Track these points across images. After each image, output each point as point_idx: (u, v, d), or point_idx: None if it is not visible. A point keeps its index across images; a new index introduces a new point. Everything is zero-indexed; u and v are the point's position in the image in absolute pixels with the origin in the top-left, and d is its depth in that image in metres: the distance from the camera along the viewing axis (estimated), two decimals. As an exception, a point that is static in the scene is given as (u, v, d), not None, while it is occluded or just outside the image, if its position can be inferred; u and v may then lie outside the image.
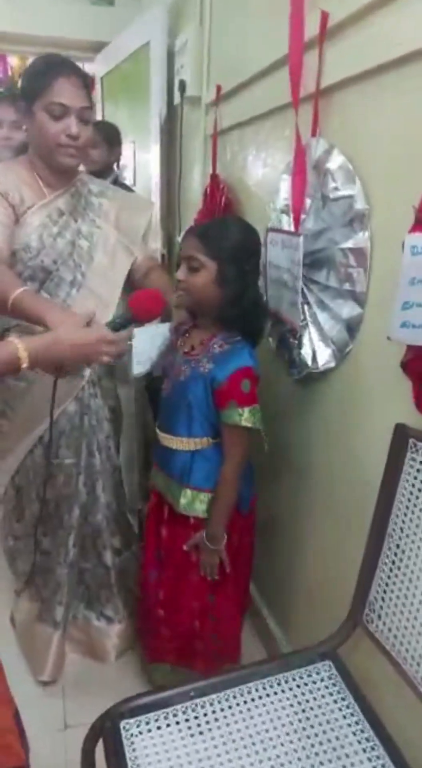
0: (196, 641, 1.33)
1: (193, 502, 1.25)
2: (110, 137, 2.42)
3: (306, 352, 1.29)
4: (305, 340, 1.29)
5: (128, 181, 2.65)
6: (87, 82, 1.34)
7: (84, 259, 1.42)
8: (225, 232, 1.18)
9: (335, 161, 1.14)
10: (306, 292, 1.27)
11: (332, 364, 1.21)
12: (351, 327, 1.14)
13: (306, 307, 1.28)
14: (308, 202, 1.25)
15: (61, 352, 1.00)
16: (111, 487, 1.55)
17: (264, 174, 1.59)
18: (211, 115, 1.94)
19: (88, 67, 3.62)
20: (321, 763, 0.85)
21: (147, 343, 1.38)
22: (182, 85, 2.12)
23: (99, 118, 3.19)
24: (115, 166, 2.45)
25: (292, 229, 1.29)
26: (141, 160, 2.74)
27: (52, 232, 1.38)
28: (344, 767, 0.85)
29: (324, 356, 1.23)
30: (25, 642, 1.60)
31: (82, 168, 1.54)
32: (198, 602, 1.30)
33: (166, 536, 1.32)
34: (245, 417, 1.16)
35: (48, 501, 1.50)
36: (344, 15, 1.08)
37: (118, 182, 2.43)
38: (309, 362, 1.27)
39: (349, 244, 1.11)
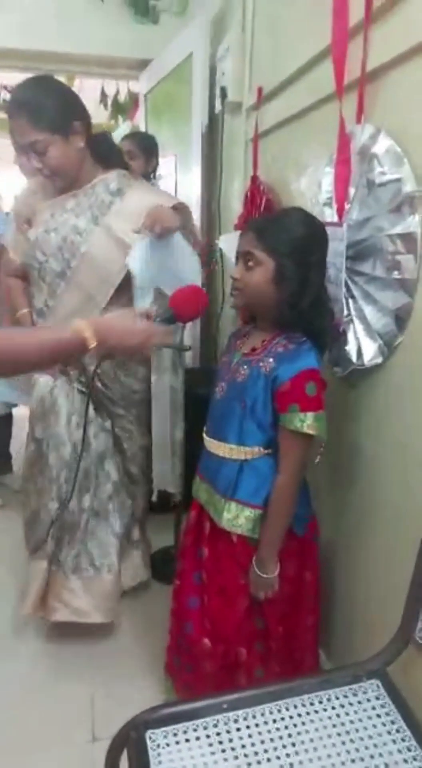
0: (240, 674, 1.21)
1: (238, 518, 1.14)
2: (147, 148, 2.46)
3: (350, 347, 1.22)
4: (349, 336, 1.22)
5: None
6: (32, 114, 1.36)
7: (73, 253, 1.49)
8: (285, 225, 1.09)
9: (382, 145, 1.08)
10: (350, 285, 1.21)
11: (379, 360, 1.14)
12: (400, 318, 1.07)
13: (350, 300, 1.22)
14: (352, 191, 1.19)
15: (116, 335, 0.98)
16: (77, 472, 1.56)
17: (306, 172, 1.55)
18: (252, 120, 1.92)
19: (132, 86, 3.72)
20: (368, 792, 0.76)
21: None
22: (223, 92, 2.12)
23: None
24: (152, 176, 2.47)
25: (336, 220, 1.23)
26: (182, 172, 2.75)
27: (48, 227, 1.49)
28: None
29: (370, 351, 1.16)
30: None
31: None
32: (247, 629, 1.19)
33: (207, 556, 1.21)
34: (308, 423, 1.06)
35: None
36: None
37: None
38: (354, 358, 1.20)
39: (397, 229, 1.05)
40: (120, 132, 4.06)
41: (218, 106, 2.24)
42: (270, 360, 1.11)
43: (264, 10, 1.84)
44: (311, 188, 1.48)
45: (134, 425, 1.73)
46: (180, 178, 2.81)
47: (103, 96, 3.67)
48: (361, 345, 1.18)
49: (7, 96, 3.40)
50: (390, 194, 1.06)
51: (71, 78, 3.52)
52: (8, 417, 2.66)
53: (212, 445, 1.21)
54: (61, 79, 3.84)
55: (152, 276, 1.43)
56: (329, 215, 1.31)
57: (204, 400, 2.15)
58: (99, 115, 3.83)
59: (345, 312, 1.22)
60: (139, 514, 1.86)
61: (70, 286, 1.50)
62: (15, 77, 3.67)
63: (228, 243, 1.86)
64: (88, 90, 3.66)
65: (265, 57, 1.84)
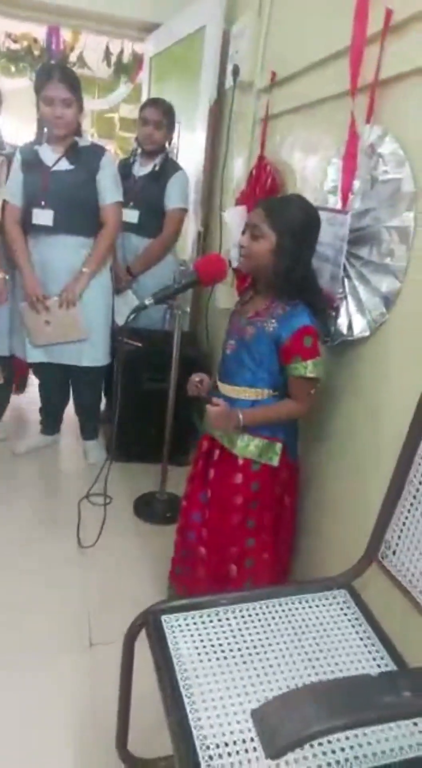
0: (231, 585, 1.44)
1: (249, 446, 1.38)
2: (171, 118, 2.51)
3: (342, 321, 1.41)
4: (342, 311, 1.41)
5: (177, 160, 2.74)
6: None
7: None
8: (289, 208, 1.31)
9: (387, 147, 1.25)
10: (347, 267, 1.39)
11: (367, 333, 1.33)
12: (389, 300, 1.26)
13: (346, 280, 1.39)
14: (356, 183, 1.36)
15: None
16: None
17: (312, 158, 1.70)
18: (262, 100, 2.05)
19: (137, 47, 3.74)
20: (336, 663, 0.98)
21: None
22: (236, 70, 2.22)
23: (145, 97, 3.29)
24: (167, 144, 2.54)
25: (339, 207, 1.40)
26: (185, 140, 2.84)
27: None
28: (351, 662, 0.97)
29: (360, 325, 1.35)
30: None
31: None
32: (237, 547, 1.42)
33: (213, 476, 1.45)
34: (309, 369, 1.30)
35: None
36: (407, 14, 1.19)
37: (168, 159, 2.53)
38: (345, 330, 1.39)
39: (394, 222, 1.23)
40: (120, 93, 4.08)
41: (228, 83, 2.34)
42: (273, 321, 1.33)
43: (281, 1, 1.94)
44: (317, 175, 1.63)
45: None
46: (182, 145, 2.90)
47: (107, 54, 3.68)
48: (352, 319, 1.37)
49: (11, 44, 3.39)
50: (390, 191, 1.24)
51: (77, 33, 3.53)
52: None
53: (226, 389, 1.42)
54: (67, 34, 3.85)
55: None
56: (333, 202, 1.48)
57: (191, 360, 2.33)
58: (101, 73, 3.85)
59: (341, 290, 1.40)
60: None
61: None
62: (18, 26, 3.66)
63: (233, 216, 2.01)
64: (91, 46, 3.66)
65: (280, 44, 1.96)
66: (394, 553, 1.10)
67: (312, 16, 1.71)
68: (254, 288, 1.45)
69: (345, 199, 1.37)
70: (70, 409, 2.63)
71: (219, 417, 1.34)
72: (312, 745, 0.81)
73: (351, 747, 0.82)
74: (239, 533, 1.41)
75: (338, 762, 0.80)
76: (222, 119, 2.52)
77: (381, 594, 1.14)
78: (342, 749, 0.82)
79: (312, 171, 1.69)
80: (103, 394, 2.71)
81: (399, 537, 1.09)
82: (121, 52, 3.71)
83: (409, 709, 0.62)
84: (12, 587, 1.72)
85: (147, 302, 1.34)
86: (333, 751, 0.82)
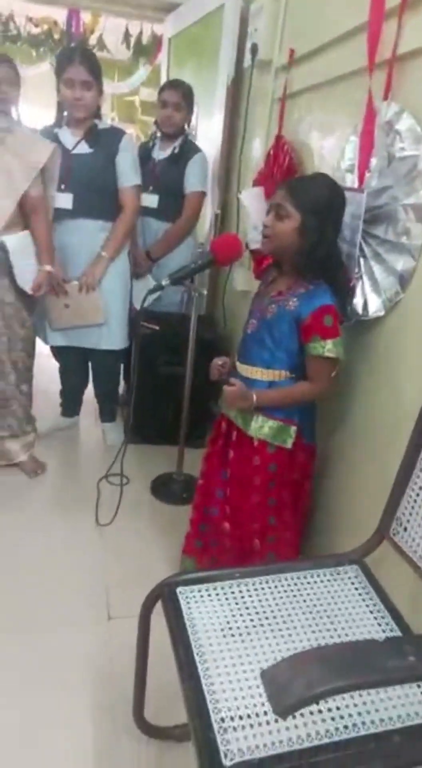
0: (255, 558, 1.48)
1: (263, 427, 1.40)
2: (190, 100, 2.49)
3: (357, 301, 1.40)
4: (358, 290, 1.41)
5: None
6: None
7: None
8: (313, 187, 1.31)
9: (404, 123, 1.24)
10: (363, 246, 1.38)
11: (382, 312, 1.33)
12: (404, 278, 1.25)
13: (362, 259, 1.39)
14: (373, 161, 1.35)
15: None
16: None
17: (330, 136, 1.68)
18: (281, 79, 2.03)
19: (156, 28, 3.72)
20: (346, 634, 1.00)
21: None
22: (254, 49, 2.20)
23: (164, 79, 3.28)
24: (185, 126, 2.53)
25: (356, 186, 1.39)
26: (203, 121, 2.83)
27: None
28: (361, 633, 0.99)
29: (375, 305, 1.34)
30: None
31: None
32: (259, 523, 1.45)
33: (233, 457, 1.48)
34: (328, 348, 1.30)
35: None
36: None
37: (188, 142, 2.52)
38: (360, 310, 1.39)
39: (411, 200, 1.22)
40: (139, 75, 4.07)
41: (246, 61, 2.32)
42: (295, 299, 1.33)
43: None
44: (334, 153, 1.62)
45: None
46: (200, 128, 2.89)
47: (127, 36, 3.67)
48: (367, 299, 1.37)
49: (32, 28, 3.40)
50: (407, 168, 1.23)
51: (96, 15, 3.52)
52: None
53: (244, 369, 1.44)
54: (86, 16, 3.84)
55: None
56: (350, 180, 1.47)
57: (208, 344, 2.35)
58: (120, 55, 3.84)
59: (356, 269, 1.40)
60: None
61: None
62: (40, 9, 3.66)
63: (250, 198, 2.01)
64: (110, 28, 3.65)
65: (299, 21, 1.93)
66: (405, 529, 1.11)
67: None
68: (278, 269, 1.45)
69: (361, 178, 1.36)
70: (89, 392, 2.67)
71: (235, 396, 1.36)
72: (320, 710, 0.84)
73: (359, 713, 0.85)
74: (260, 512, 1.44)
75: (346, 727, 0.83)
76: (240, 99, 2.50)
77: (392, 570, 1.16)
78: (350, 715, 0.84)
79: (330, 150, 1.67)
80: (121, 378, 2.74)
81: (410, 514, 1.10)
82: (140, 33, 3.69)
83: (413, 673, 0.64)
84: (33, 564, 1.78)
85: (164, 283, 1.36)
86: (342, 717, 0.84)
